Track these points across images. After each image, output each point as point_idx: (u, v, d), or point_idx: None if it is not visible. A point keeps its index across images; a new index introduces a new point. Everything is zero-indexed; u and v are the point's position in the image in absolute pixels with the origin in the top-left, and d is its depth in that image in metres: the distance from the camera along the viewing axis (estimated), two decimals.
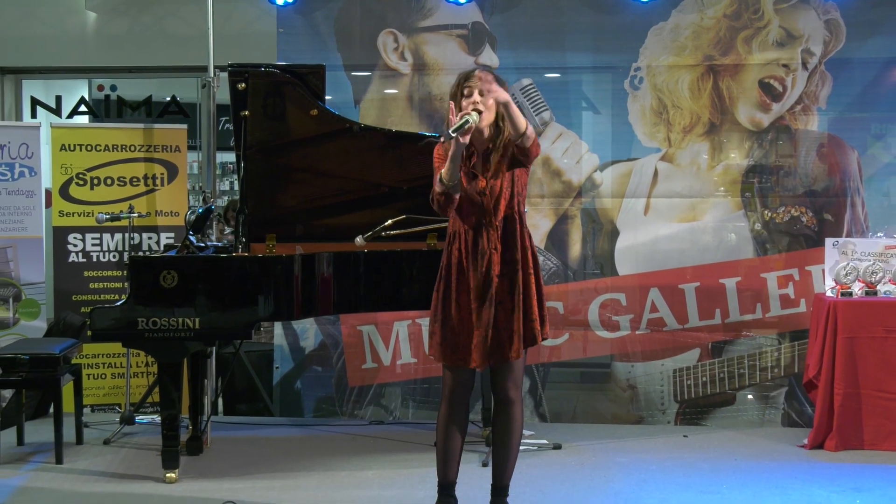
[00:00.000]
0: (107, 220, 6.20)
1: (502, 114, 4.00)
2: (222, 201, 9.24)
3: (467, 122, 3.91)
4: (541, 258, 6.38)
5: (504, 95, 3.93)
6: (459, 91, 4.04)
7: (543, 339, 4.13)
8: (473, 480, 4.66)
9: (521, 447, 5.58)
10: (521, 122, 3.93)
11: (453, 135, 3.89)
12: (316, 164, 5.53)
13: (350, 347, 6.58)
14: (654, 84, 6.36)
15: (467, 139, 3.97)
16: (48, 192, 6.89)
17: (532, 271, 4.09)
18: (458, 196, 4.03)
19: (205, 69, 6.38)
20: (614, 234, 6.44)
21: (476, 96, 3.98)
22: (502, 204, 4.05)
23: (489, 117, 4.00)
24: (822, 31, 6.24)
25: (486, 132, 4.05)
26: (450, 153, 3.96)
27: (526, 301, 4.04)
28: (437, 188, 4.02)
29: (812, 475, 5.16)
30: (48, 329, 6.55)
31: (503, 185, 4.03)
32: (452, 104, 3.99)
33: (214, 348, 6.09)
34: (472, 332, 4.03)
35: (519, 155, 4.00)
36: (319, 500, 4.71)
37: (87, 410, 6.45)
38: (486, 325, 4.00)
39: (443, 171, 3.99)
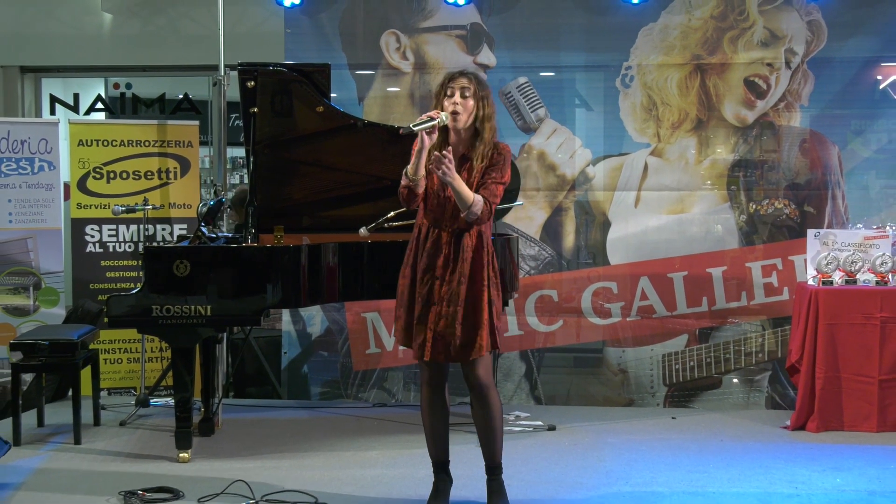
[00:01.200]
0: (122, 212, 6.20)
1: (481, 117, 3.97)
2: (232, 194, 9.23)
3: (433, 120, 3.89)
4: (536, 248, 6.42)
5: (451, 174, 3.84)
6: (443, 90, 4.01)
7: (492, 351, 4.07)
8: (471, 460, 4.66)
9: (517, 429, 5.63)
10: (467, 198, 3.88)
11: (414, 129, 3.86)
12: (322, 159, 5.51)
13: (354, 333, 6.58)
14: (644, 82, 6.34)
15: (434, 137, 3.94)
16: (66, 186, 6.88)
17: (485, 286, 4.00)
18: (421, 191, 4.00)
19: (216, 68, 6.36)
20: (606, 225, 6.44)
21: (457, 97, 3.95)
22: (462, 214, 3.97)
23: (464, 119, 3.95)
24: (804, 31, 6.22)
25: (464, 134, 4.02)
26: (416, 149, 3.94)
27: (468, 312, 3.97)
28: (403, 180, 4.00)
29: (794, 455, 5.16)
30: (67, 316, 6.54)
31: (472, 188, 3.97)
32: (447, 104, 3.96)
33: (225, 334, 6.09)
34: (413, 323, 4.04)
35: (466, 222, 3.96)
36: (325, 478, 4.71)
37: (103, 393, 6.46)
38: (421, 321, 4.00)
39: (408, 165, 3.98)
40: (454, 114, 3.94)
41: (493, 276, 4.06)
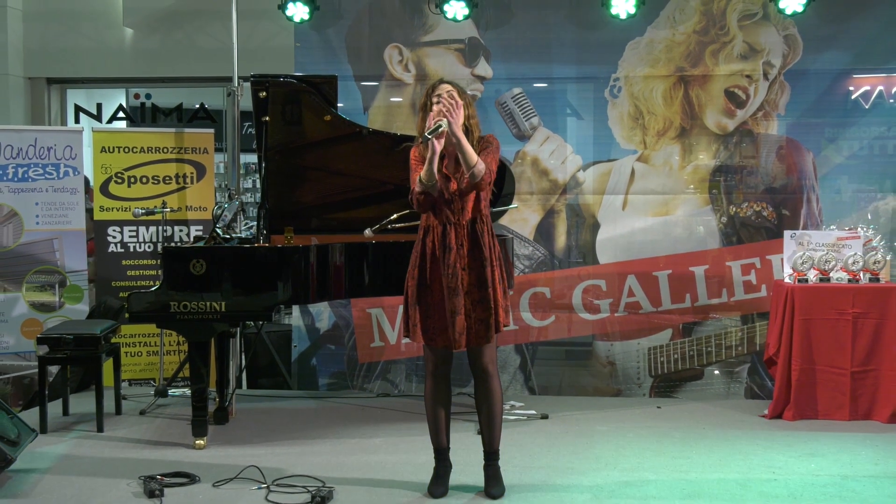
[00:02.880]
0: (142, 214, 6.19)
1: (467, 115, 4.00)
2: (245, 198, 9.23)
3: (440, 126, 3.89)
4: (530, 248, 6.41)
5: (458, 133, 3.91)
6: (429, 101, 4.03)
7: (505, 327, 4.13)
8: (469, 447, 4.66)
9: (512, 417, 5.62)
10: (472, 158, 3.93)
11: (430, 137, 3.88)
12: (329, 164, 5.50)
13: (360, 328, 6.57)
14: (631, 93, 6.33)
15: (442, 143, 3.95)
16: (87, 180, 6.87)
17: (497, 265, 4.08)
18: (436, 195, 4.02)
19: (230, 79, 6.36)
20: (595, 226, 6.42)
21: (444, 104, 3.96)
22: (469, 205, 4.05)
23: (457, 122, 3.96)
24: (781, 45, 6.21)
25: (445, 137, 4.01)
26: (427, 156, 3.95)
27: (493, 293, 4.03)
28: (417, 188, 4.01)
29: (772, 442, 5.15)
30: (90, 312, 6.53)
31: (471, 185, 4.00)
32: (432, 113, 3.96)
33: (239, 329, 6.08)
34: (444, 317, 4.02)
35: (469, 183, 3.98)
36: (332, 464, 4.70)
37: (125, 384, 6.45)
38: (456, 312, 4.00)
39: (421, 173, 3.98)
40: (447, 119, 3.94)
41: (499, 258, 4.12)
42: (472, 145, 4.01)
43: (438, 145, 3.94)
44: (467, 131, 4.03)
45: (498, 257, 4.11)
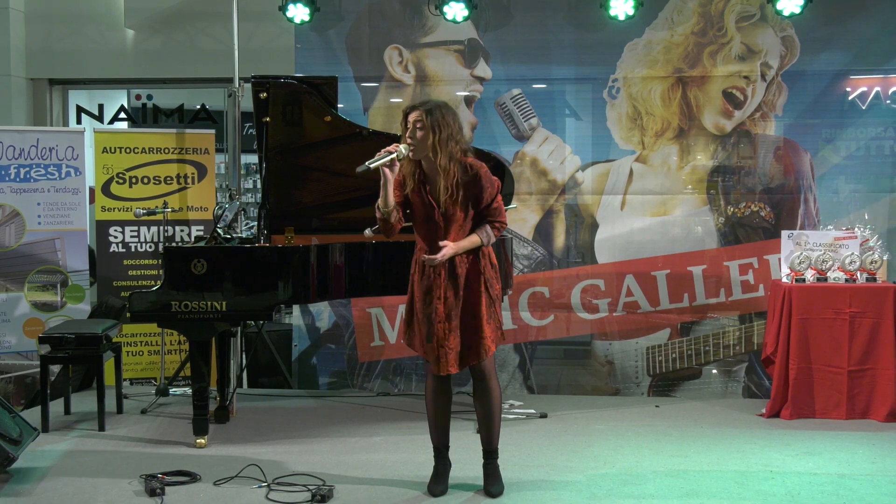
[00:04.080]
0: (143, 214, 6.19)
1: (434, 141, 3.89)
2: (246, 198, 9.23)
3: (391, 154, 3.86)
4: (529, 248, 6.41)
5: (448, 254, 3.92)
6: (404, 125, 3.99)
7: (490, 353, 4.07)
8: (468, 445, 4.66)
9: (511, 416, 5.62)
10: (476, 242, 3.97)
11: (371, 167, 3.84)
12: (329, 165, 5.51)
13: (360, 327, 6.57)
14: (629, 93, 6.34)
15: (395, 169, 3.91)
16: (91, 190, 6.87)
17: (482, 290, 4.02)
18: (395, 221, 3.99)
19: (231, 80, 6.36)
20: (594, 226, 6.42)
21: (409, 132, 3.93)
22: (454, 228, 4.00)
23: (421, 150, 3.92)
24: (778, 46, 6.22)
25: (427, 163, 3.98)
26: (381, 183, 3.91)
27: (473, 320, 4.00)
28: (377, 214, 3.98)
29: (769, 441, 5.15)
30: (92, 311, 6.53)
31: (457, 212, 3.98)
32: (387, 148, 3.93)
33: (239, 328, 6.08)
34: (426, 339, 4.04)
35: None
36: (332, 462, 4.70)
37: (126, 383, 6.45)
38: (439, 339, 4.00)
39: (378, 201, 3.94)
40: (409, 146, 3.93)
41: (491, 276, 4.06)
42: (450, 171, 3.91)
43: (391, 174, 3.91)
44: (437, 152, 3.91)
45: (484, 279, 4.02)
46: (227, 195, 6.37)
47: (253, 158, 8.92)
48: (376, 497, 4.18)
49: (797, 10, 6.01)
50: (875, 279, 5.66)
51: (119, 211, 6.58)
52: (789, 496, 4.21)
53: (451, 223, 4.00)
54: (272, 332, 6.75)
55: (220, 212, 5.46)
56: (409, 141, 3.93)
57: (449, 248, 3.93)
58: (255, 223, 5.60)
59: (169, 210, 6.30)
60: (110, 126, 8.30)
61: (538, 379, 6.49)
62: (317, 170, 5.53)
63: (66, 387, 5.83)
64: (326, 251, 5.01)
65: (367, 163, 3.87)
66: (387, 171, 3.89)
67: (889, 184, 6.25)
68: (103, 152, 6.59)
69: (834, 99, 6.25)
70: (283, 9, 6.33)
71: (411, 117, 3.96)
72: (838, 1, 6.19)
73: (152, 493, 4.20)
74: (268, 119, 5.30)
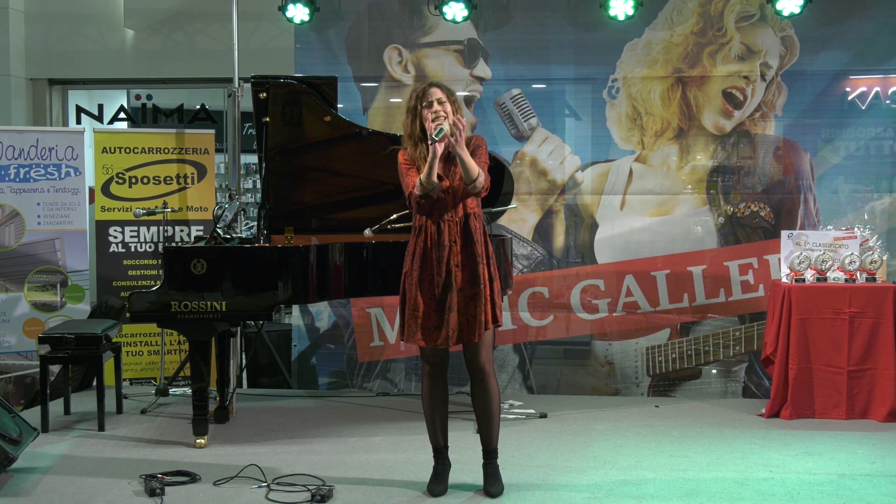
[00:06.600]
0: (143, 214, 6.19)
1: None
2: (246, 198, 9.23)
3: (443, 130, 3.90)
4: (528, 248, 6.41)
5: (462, 151, 3.92)
6: (418, 104, 4.02)
7: (498, 326, 4.13)
8: (468, 445, 4.65)
9: (511, 416, 5.62)
10: (473, 171, 3.94)
11: (436, 140, 3.89)
12: (329, 165, 5.50)
13: (359, 327, 6.57)
14: (629, 93, 6.33)
15: (443, 146, 3.95)
16: (91, 190, 6.87)
17: (490, 262, 4.08)
18: (436, 197, 4.01)
19: (230, 80, 6.35)
20: (594, 226, 6.42)
21: (436, 107, 3.98)
22: (462, 203, 4.04)
23: (461, 139, 3.96)
24: (778, 46, 6.21)
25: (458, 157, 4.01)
26: (428, 159, 3.95)
27: (485, 289, 4.03)
28: (417, 191, 4.00)
29: (769, 441, 5.15)
30: (91, 311, 6.53)
31: (462, 186, 4.01)
32: (428, 114, 3.97)
33: (239, 328, 6.08)
34: (435, 315, 4.02)
35: (467, 192, 4.01)
36: (332, 462, 4.70)
37: (126, 384, 6.45)
38: (450, 309, 3.99)
39: (422, 175, 3.97)
40: (437, 120, 3.97)
41: (491, 254, 4.12)
42: (469, 146, 4.02)
43: (440, 149, 3.94)
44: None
45: (490, 254, 4.10)
46: (227, 195, 6.37)
47: (253, 158, 8.93)
48: (376, 497, 4.18)
49: (797, 10, 6.01)
50: (875, 279, 5.66)
51: (119, 211, 6.58)
52: (789, 496, 4.21)
53: (456, 197, 4.03)
54: (272, 332, 6.75)
55: (219, 212, 5.45)
56: (435, 115, 3.95)
57: (461, 141, 3.93)
58: (255, 223, 5.60)
59: (169, 210, 6.29)
60: (110, 126, 8.30)
61: (538, 379, 6.49)
62: (316, 170, 5.53)
63: (65, 387, 5.83)
64: (326, 251, 5.00)
65: (433, 135, 3.88)
66: (439, 146, 3.92)
67: (889, 184, 6.24)
68: (103, 152, 6.59)
69: (833, 99, 6.25)
70: (282, 9, 6.32)
71: (433, 94, 4.00)
72: (838, 1, 6.19)
73: (152, 493, 4.19)
74: (267, 119, 5.29)
